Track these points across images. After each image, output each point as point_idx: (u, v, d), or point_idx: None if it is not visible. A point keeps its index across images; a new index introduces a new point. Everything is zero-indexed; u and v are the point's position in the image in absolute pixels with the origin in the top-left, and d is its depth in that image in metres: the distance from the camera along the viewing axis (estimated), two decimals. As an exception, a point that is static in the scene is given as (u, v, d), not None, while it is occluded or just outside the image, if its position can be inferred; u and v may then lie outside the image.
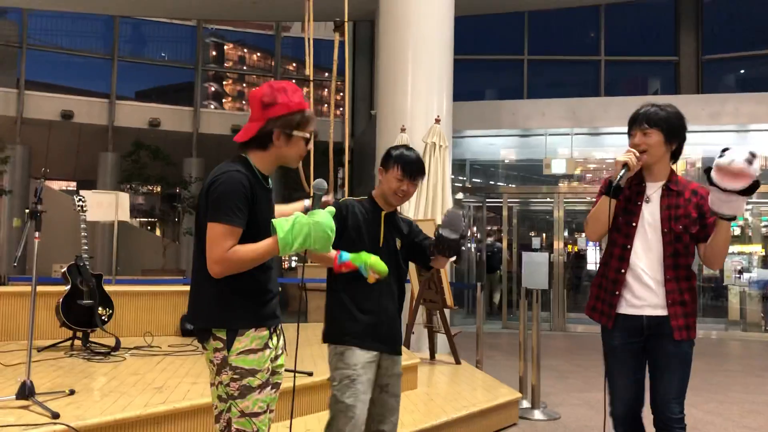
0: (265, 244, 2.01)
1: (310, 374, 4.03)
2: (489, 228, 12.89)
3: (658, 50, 14.00)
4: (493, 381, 5.45)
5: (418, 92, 7.65)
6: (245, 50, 19.69)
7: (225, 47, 19.12)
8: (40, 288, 4.60)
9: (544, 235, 12.63)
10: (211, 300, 2.06)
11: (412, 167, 2.68)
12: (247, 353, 2.03)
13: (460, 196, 11.72)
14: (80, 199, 4.94)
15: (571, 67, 14.43)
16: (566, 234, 12.07)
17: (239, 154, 2.14)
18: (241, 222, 2.00)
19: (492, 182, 13.40)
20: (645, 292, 2.67)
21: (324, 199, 2.16)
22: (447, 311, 6.44)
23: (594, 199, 2.79)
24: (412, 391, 4.77)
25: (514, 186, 12.90)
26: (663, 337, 2.64)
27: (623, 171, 2.63)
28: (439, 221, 6.63)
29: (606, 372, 2.75)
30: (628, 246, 2.69)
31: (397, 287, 2.76)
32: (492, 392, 5.01)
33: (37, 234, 3.36)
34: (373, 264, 2.52)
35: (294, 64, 18.43)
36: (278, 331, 2.19)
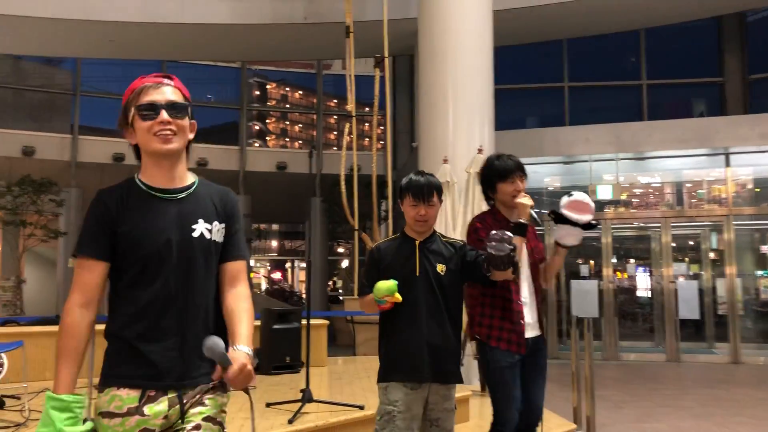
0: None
1: (362, 408, 4.04)
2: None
3: (702, 71, 13.80)
4: (547, 412, 5.34)
5: (460, 123, 7.70)
6: (287, 89, 20.14)
7: (268, 86, 19.60)
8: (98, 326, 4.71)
9: (592, 262, 12.43)
10: None
11: (421, 190, 2.70)
12: (106, 416, 1.72)
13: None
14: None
15: (612, 93, 14.33)
16: (615, 260, 11.86)
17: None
18: (84, 249, 1.77)
19: (537, 210, 13.27)
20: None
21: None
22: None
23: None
24: (464, 423, 4.72)
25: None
26: None
27: (533, 211, 3.03)
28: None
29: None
30: (518, 280, 3.03)
31: (445, 313, 2.68)
32: (545, 423, 4.90)
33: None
34: (377, 291, 2.54)
35: (335, 101, 18.75)
36: (180, 399, 1.77)
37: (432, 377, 2.62)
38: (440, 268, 2.70)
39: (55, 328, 5.70)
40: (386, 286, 2.52)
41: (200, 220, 1.84)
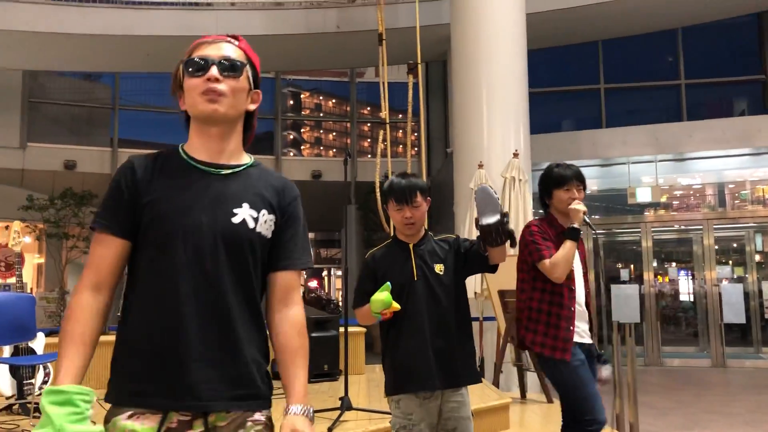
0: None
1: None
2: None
3: (743, 69, 13.48)
4: (589, 419, 5.25)
5: (494, 128, 7.65)
6: (321, 97, 20.25)
7: (302, 96, 19.73)
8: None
9: (632, 266, 12.22)
10: None
11: (402, 192, 2.60)
12: None
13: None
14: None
15: (649, 93, 14.08)
16: (655, 264, 11.64)
17: None
18: (101, 222, 1.48)
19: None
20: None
21: None
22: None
23: (539, 247, 3.07)
24: (505, 431, 4.67)
25: (598, 217, 12.59)
26: None
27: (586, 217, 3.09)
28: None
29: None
30: (573, 286, 3.08)
31: (450, 314, 2.58)
32: (588, 431, 4.82)
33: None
34: (373, 305, 2.42)
35: (369, 108, 18.79)
36: (207, 427, 1.43)
37: (443, 384, 2.52)
38: (438, 268, 2.61)
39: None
40: (380, 299, 2.38)
41: (245, 205, 1.52)
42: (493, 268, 2.62)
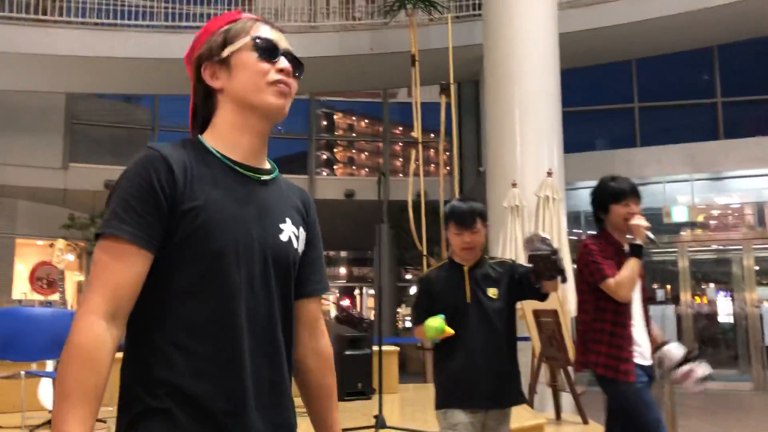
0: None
1: (435, 434, 4.02)
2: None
3: (781, 87, 13.27)
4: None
5: (528, 147, 7.66)
6: (354, 118, 20.44)
7: (335, 116, 19.95)
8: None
9: (668, 286, 12.03)
10: None
11: (464, 217, 2.66)
12: None
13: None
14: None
15: (685, 112, 13.93)
16: (693, 284, 11.43)
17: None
18: (128, 230, 1.12)
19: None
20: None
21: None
22: (571, 369, 6.23)
23: (600, 266, 2.95)
24: (539, 451, 4.63)
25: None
26: None
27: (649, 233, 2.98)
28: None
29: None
30: (634, 305, 2.98)
31: (500, 338, 2.66)
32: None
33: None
34: (427, 331, 2.52)
35: (401, 128, 18.91)
36: None
37: (490, 404, 2.63)
38: (491, 292, 2.67)
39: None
40: (434, 326, 2.49)
41: (288, 220, 1.29)
42: (544, 297, 2.66)
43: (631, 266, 2.90)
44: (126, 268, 1.12)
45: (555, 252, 2.46)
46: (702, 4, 9.83)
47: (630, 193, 3.04)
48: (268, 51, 1.26)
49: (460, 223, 2.66)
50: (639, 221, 2.97)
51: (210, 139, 1.26)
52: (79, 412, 1.05)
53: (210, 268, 1.16)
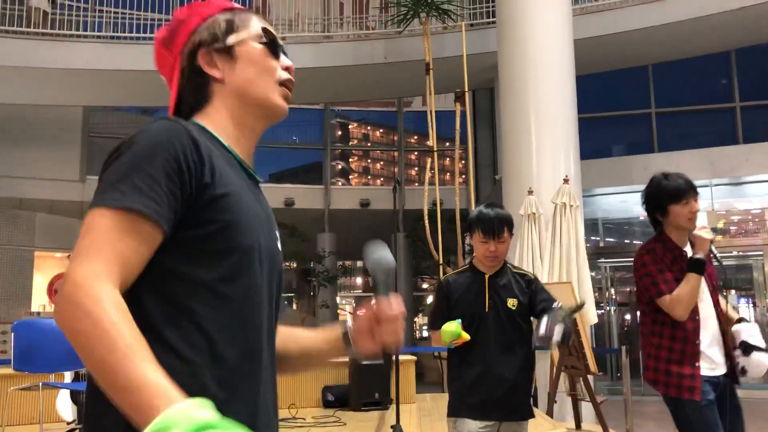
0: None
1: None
2: (629, 289, 12.31)
3: (801, 91, 13.11)
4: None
5: (544, 154, 7.61)
6: (368, 127, 20.48)
7: (350, 126, 20.00)
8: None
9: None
10: None
11: (492, 225, 2.60)
12: None
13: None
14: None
15: (703, 117, 13.80)
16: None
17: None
18: (152, 206, 0.94)
19: (627, 240, 12.87)
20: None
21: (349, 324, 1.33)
22: (591, 377, 6.15)
23: (655, 280, 2.75)
24: (559, 462, 4.56)
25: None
26: None
27: (713, 246, 2.75)
28: (574, 283, 6.44)
29: None
30: (697, 317, 2.76)
31: (517, 348, 2.62)
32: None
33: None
34: (443, 335, 2.49)
35: (416, 137, 18.91)
36: None
37: (504, 415, 2.58)
38: (511, 302, 2.63)
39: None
40: (450, 330, 2.47)
41: (275, 229, 1.18)
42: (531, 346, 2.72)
43: (691, 283, 2.68)
44: (139, 245, 0.93)
45: (549, 337, 2.38)
46: (718, 8, 9.75)
47: (688, 189, 2.78)
48: (274, 46, 1.20)
49: (488, 231, 2.61)
50: (703, 233, 2.74)
51: (216, 129, 1.14)
52: (141, 360, 0.83)
53: (237, 267, 1.02)
